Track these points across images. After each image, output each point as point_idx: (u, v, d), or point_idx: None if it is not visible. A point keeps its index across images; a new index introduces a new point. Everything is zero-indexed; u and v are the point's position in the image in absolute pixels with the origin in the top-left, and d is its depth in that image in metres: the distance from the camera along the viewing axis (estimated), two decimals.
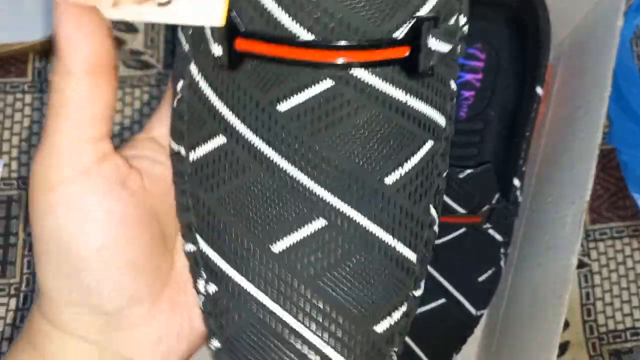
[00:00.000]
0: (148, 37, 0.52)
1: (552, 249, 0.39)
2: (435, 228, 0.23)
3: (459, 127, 0.45)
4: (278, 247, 0.21)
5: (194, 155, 0.22)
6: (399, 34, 0.20)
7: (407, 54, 0.21)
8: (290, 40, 0.20)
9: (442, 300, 0.42)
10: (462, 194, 0.40)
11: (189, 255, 0.23)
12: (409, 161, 0.22)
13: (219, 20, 0.20)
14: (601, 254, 0.50)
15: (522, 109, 0.43)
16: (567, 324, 0.48)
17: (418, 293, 0.23)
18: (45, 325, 0.22)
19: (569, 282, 0.35)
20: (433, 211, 0.23)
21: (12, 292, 0.45)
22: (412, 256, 0.22)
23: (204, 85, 0.22)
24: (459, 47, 0.23)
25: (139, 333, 0.22)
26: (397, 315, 0.22)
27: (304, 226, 0.21)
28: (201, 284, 0.22)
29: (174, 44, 0.52)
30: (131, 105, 0.50)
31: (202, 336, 0.24)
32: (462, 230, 0.41)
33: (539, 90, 0.42)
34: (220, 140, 0.22)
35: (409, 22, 0.20)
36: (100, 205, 0.21)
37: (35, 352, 0.22)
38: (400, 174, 0.22)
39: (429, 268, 0.42)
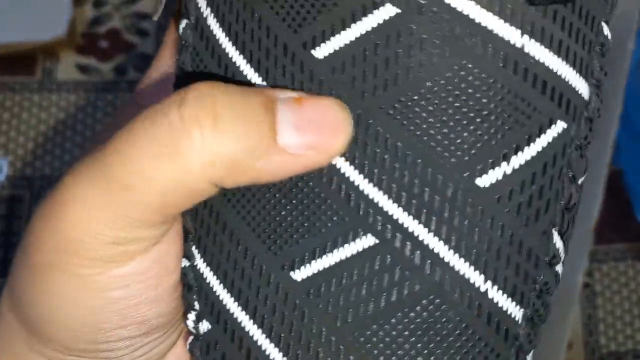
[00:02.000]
0: (158, 41, 0.52)
1: None
2: (559, 268, 0.15)
3: None
4: (301, 273, 0.14)
5: None
6: None
7: None
8: None
9: None
10: None
11: (183, 274, 0.17)
12: (520, 152, 0.14)
13: None
14: (604, 275, 0.50)
15: None
16: (569, 345, 0.48)
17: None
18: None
19: (574, 302, 0.35)
20: (557, 239, 0.15)
21: None
22: (515, 312, 0.14)
23: (213, 24, 0.16)
24: None
25: None
26: None
27: (342, 245, 0.14)
28: (191, 318, 0.16)
29: None
30: None
31: None
32: None
33: None
34: None
35: None
36: None
37: None
38: (504, 173, 0.14)
39: None
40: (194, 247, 0.16)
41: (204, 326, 0.16)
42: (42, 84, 0.51)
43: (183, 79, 0.16)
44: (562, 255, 0.15)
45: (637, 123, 0.48)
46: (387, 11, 0.14)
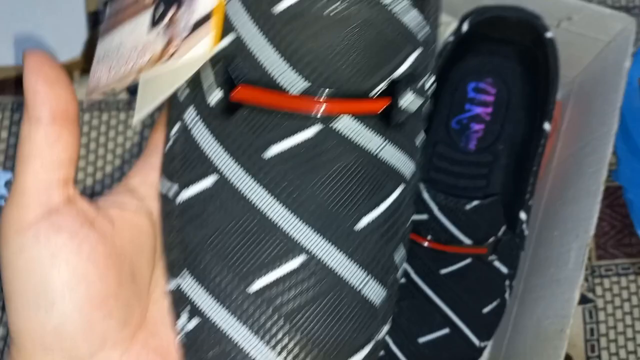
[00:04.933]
0: None
1: (555, 282, 0.39)
2: (398, 274, 0.25)
3: (467, 159, 0.46)
4: (257, 284, 0.22)
5: (184, 194, 0.24)
6: (376, 91, 0.23)
7: (382, 109, 0.23)
8: (282, 90, 0.22)
9: (446, 330, 0.42)
10: (469, 224, 0.41)
11: (172, 291, 0.24)
12: (379, 207, 0.24)
13: (207, 49, 0.22)
14: (606, 290, 0.50)
15: (531, 143, 0.44)
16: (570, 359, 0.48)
17: (385, 328, 0.24)
18: None
19: (570, 316, 0.36)
20: (397, 257, 0.25)
21: None
22: (379, 296, 0.24)
23: (198, 130, 0.24)
24: (426, 104, 0.25)
25: None
26: (366, 350, 0.23)
27: (282, 264, 0.22)
28: (183, 318, 0.23)
29: None
30: (151, 127, 0.52)
31: None
32: (468, 260, 0.42)
33: (547, 126, 0.43)
34: (209, 181, 0.23)
35: (386, 83, 0.23)
36: (70, 241, 0.22)
37: None
38: (372, 218, 0.23)
39: (434, 297, 0.43)
40: (184, 270, 0.23)
41: (193, 323, 0.23)
42: None
43: (170, 163, 0.24)
44: (399, 267, 0.24)
45: (635, 139, 0.48)
46: (311, 131, 0.23)
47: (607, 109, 0.41)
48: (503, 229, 0.42)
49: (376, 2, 0.22)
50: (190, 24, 0.22)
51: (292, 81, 0.22)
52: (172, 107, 0.25)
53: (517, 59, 0.46)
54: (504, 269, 0.43)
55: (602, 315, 0.50)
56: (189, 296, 0.23)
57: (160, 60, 0.22)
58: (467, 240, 0.41)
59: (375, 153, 0.23)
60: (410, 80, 0.24)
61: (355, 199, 0.23)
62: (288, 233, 0.22)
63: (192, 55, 0.22)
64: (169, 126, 0.25)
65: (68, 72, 0.52)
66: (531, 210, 0.44)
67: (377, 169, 0.24)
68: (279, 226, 0.22)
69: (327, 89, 0.22)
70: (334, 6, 0.22)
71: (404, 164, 0.24)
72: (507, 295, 0.43)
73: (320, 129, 0.23)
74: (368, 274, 0.23)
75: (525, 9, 0.42)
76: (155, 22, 0.24)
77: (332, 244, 0.22)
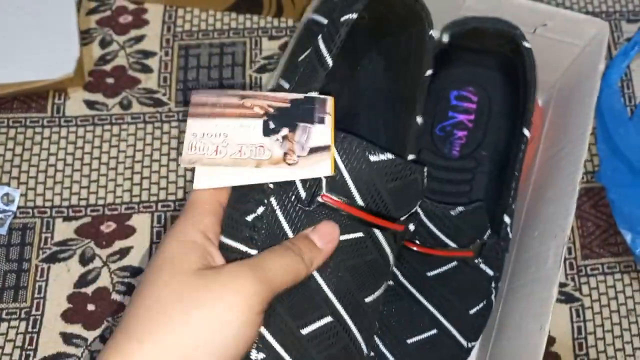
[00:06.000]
0: (161, 77, 0.55)
1: (535, 281, 0.40)
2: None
3: (451, 165, 0.48)
4: (307, 330, 0.33)
5: None
6: (400, 219, 0.36)
7: (402, 230, 0.36)
8: (353, 205, 0.33)
9: (433, 331, 0.43)
10: (454, 230, 0.42)
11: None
12: (379, 290, 0.36)
13: (329, 172, 0.32)
14: (593, 289, 0.51)
15: (512, 149, 0.45)
16: (559, 359, 0.49)
17: None
18: None
19: (549, 314, 0.37)
20: (376, 323, 0.38)
21: (23, 315, 0.47)
22: (366, 350, 0.36)
23: (281, 213, 0.33)
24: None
25: None
26: None
27: (322, 319, 0.33)
28: (254, 352, 0.32)
29: (184, 84, 0.55)
30: (143, 140, 0.53)
31: None
32: (454, 263, 0.43)
33: (526, 131, 0.44)
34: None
35: (406, 216, 0.36)
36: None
37: None
38: (374, 297, 0.36)
39: (422, 299, 0.44)
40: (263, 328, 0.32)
41: (261, 355, 0.31)
42: (52, 120, 0.54)
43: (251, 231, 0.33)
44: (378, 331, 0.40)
45: (616, 140, 0.49)
46: (360, 233, 0.35)
47: (582, 111, 0.42)
48: (488, 232, 0.43)
49: (410, 172, 0.35)
50: (308, 147, 0.31)
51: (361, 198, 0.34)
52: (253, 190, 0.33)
53: (497, 67, 0.47)
54: (489, 272, 0.44)
55: (589, 314, 0.50)
56: (259, 338, 0.32)
57: (281, 163, 0.31)
58: (452, 244, 0.42)
59: (388, 255, 0.36)
60: (414, 214, 0.37)
61: (369, 283, 0.35)
62: (323, 301, 0.33)
63: (316, 171, 0.31)
64: (246, 202, 0.33)
65: (62, 88, 0.53)
66: (515, 213, 0.45)
67: (385, 265, 0.36)
68: (320, 295, 0.33)
69: (376, 207, 0.34)
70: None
71: (392, 265, 0.37)
72: (492, 296, 0.44)
73: (364, 234, 0.34)
74: (365, 335, 0.35)
75: (503, 20, 0.44)
76: (268, 132, 0.32)
77: (347, 313, 0.34)
